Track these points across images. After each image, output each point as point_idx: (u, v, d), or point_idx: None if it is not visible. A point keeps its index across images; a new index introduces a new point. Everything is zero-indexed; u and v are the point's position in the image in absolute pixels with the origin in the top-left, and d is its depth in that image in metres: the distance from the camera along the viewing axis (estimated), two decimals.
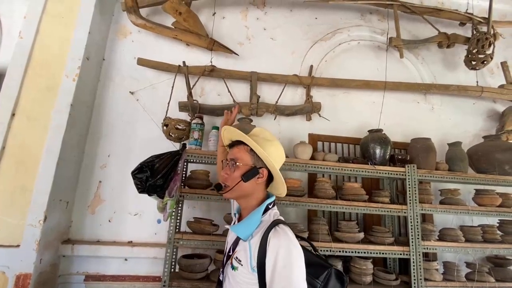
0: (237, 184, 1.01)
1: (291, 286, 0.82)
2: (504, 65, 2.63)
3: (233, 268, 0.97)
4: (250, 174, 1.02)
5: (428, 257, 2.02)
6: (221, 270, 1.08)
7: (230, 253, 1.02)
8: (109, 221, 2.00)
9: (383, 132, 2.08)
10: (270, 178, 1.10)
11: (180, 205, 1.78)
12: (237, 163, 1.03)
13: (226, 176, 1.04)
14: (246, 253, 0.95)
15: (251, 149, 1.05)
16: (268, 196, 1.09)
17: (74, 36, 1.95)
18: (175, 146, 1.98)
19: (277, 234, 0.91)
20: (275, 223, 0.96)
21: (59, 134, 1.78)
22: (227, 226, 1.12)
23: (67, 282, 1.85)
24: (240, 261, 0.96)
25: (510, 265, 2.03)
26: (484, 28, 2.51)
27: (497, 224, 2.08)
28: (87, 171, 2.05)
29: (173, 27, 2.20)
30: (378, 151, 1.97)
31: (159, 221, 2.03)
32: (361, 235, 1.82)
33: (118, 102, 2.18)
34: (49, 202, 1.69)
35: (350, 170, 1.88)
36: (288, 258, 0.86)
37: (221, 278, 1.05)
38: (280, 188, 1.13)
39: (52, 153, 1.74)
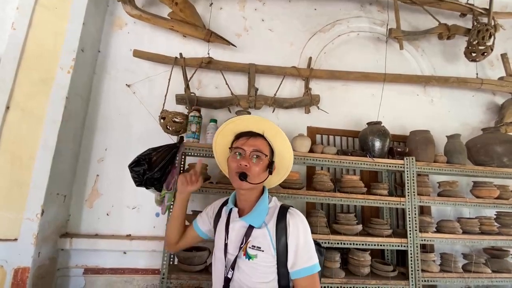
0: (266, 179, 1.07)
1: (312, 257, 0.98)
2: (504, 57, 2.61)
3: (250, 257, 0.99)
4: (271, 167, 1.08)
5: (426, 248, 2.04)
6: (225, 269, 1.03)
7: (242, 245, 1.02)
8: (107, 214, 2.00)
9: (382, 125, 2.07)
10: None
11: None
12: (264, 155, 1.06)
13: (248, 166, 1.03)
14: (266, 238, 0.99)
15: (269, 143, 1.10)
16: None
17: (68, 28, 1.90)
18: (172, 139, 1.97)
19: (293, 216, 1.02)
20: (285, 207, 1.06)
21: (55, 128, 1.76)
22: (234, 220, 1.08)
23: (66, 276, 1.86)
24: (259, 248, 0.99)
25: (506, 257, 2.04)
26: (484, 20, 2.48)
27: (495, 216, 2.09)
28: (84, 165, 2.04)
29: (169, 18, 2.16)
30: (377, 143, 1.96)
31: (157, 215, 2.03)
32: (359, 227, 1.82)
33: (114, 95, 2.15)
34: (46, 196, 1.67)
35: (349, 163, 1.87)
36: (307, 234, 1.01)
37: (229, 276, 1.01)
38: (277, 179, 1.20)
39: (48, 147, 1.72)
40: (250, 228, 1.03)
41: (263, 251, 0.98)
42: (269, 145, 1.11)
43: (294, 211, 1.05)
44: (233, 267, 1.02)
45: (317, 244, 1.17)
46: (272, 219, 1.02)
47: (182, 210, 1.25)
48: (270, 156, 1.09)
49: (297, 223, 1.00)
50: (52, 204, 1.75)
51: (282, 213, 1.02)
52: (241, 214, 1.10)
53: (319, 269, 0.98)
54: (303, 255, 0.96)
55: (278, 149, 1.12)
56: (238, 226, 1.06)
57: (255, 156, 1.04)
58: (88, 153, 2.05)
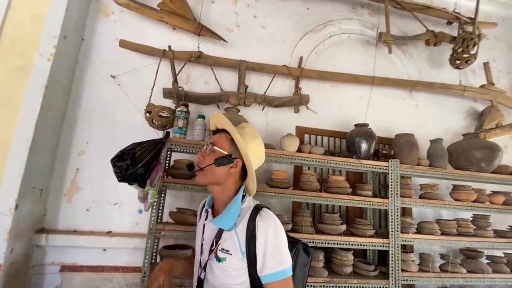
0: (208, 167, 1.02)
1: (283, 260, 0.94)
2: (486, 65, 2.71)
3: (220, 260, 0.97)
4: (223, 160, 1.03)
5: (406, 249, 2.09)
6: (199, 269, 1.05)
7: (213, 247, 1.01)
8: (87, 210, 1.92)
9: (369, 127, 2.10)
10: (244, 174, 1.10)
11: (162, 195, 1.73)
12: (214, 147, 1.05)
13: (201, 158, 1.06)
14: (234, 241, 0.97)
15: (232, 139, 1.06)
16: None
17: (49, 12, 1.81)
18: (158, 134, 1.91)
19: (264, 218, 0.98)
20: (258, 208, 1.02)
21: (32, 117, 1.67)
22: (207, 221, 1.07)
23: (41, 273, 1.78)
24: (227, 251, 0.97)
25: (481, 258, 2.13)
26: (470, 28, 2.56)
27: (471, 218, 2.18)
28: (63, 158, 1.95)
29: (158, 8, 2.10)
30: (363, 145, 1.99)
31: (140, 211, 1.95)
32: (344, 227, 1.85)
33: (98, 85, 2.07)
34: (21, 190, 1.59)
35: (335, 163, 1.89)
36: (277, 237, 0.96)
37: (202, 277, 1.02)
38: (250, 186, 1.13)
39: (24, 138, 1.63)
40: (220, 230, 1.01)
41: (231, 254, 0.96)
42: (234, 143, 1.06)
43: (266, 212, 1.00)
44: (205, 268, 1.02)
45: (303, 244, 1.16)
46: (243, 221, 0.98)
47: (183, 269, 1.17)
48: (233, 152, 1.05)
49: (267, 226, 0.95)
50: (27, 198, 1.66)
51: (254, 214, 0.98)
52: (215, 214, 1.08)
53: (290, 274, 0.94)
54: (271, 260, 0.92)
55: (240, 145, 1.05)
56: (210, 228, 1.05)
57: (209, 148, 1.06)
58: (68, 146, 1.96)
